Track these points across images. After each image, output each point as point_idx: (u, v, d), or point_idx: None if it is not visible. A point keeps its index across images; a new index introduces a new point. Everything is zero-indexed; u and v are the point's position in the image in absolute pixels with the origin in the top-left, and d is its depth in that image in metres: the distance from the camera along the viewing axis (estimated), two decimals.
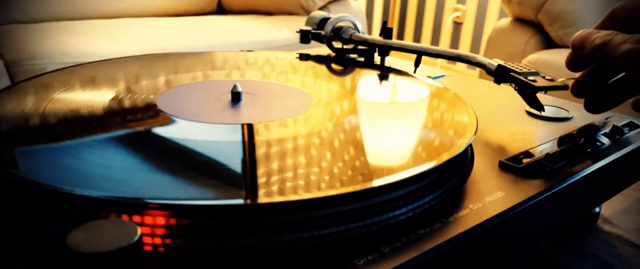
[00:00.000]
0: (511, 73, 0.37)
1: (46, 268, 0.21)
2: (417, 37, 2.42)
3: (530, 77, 0.36)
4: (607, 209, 0.43)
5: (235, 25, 1.50)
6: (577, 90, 0.38)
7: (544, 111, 0.38)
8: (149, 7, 1.64)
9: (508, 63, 0.39)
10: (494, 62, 0.39)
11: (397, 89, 0.42)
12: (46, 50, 1.16)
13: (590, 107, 0.37)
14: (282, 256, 0.22)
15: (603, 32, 0.34)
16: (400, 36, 2.49)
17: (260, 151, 0.28)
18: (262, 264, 0.21)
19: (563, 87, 0.36)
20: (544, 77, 0.37)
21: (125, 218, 0.22)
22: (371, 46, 0.50)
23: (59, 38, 1.23)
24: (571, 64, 0.37)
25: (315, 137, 0.30)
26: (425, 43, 2.34)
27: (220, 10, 1.82)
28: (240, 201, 0.23)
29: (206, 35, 1.40)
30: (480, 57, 0.41)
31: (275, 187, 0.24)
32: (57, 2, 1.49)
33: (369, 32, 2.43)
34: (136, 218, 0.22)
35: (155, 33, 1.38)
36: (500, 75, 0.38)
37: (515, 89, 0.38)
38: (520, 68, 0.38)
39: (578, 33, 0.36)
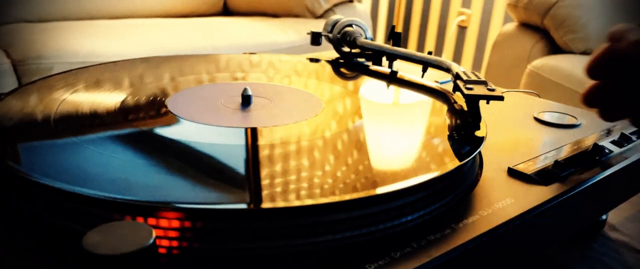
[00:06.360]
0: (457, 81, 0.36)
1: (60, 267, 0.21)
2: (421, 40, 2.42)
3: (469, 86, 0.34)
4: (614, 216, 0.43)
5: (240, 27, 1.50)
6: (591, 99, 0.34)
7: (480, 121, 0.35)
8: (156, 7, 1.65)
9: (466, 72, 0.37)
10: (455, 69, 0.38)
11: (406, 94, 0.43)
12: (53, 49, 1.17)
13: (606, 115, 0.34)
14: (294, 260, 0.22)
15: None
16: (405, 39, 2.49)
17: (273, 155, 0.28)
18: (275, 268, 0.21)
19: (499, 98, 0.33)
20: (487, 88, 0.34)
21: (140, 220, 0.22)
22: (377, 52, 0.50)
23: (66, 38, 1.23)
24: (593, 70, 0.33)
25: (327, 141, 0.30)
26: (429, 47, 2.34)
27: (226, 11, 1.83)
28: (255, 206, 0.23)
29: (211, 36, 1.41)
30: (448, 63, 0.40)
31: (287, 192, 0.24)
32: (64, 2, 1.49)
33: (374, 34, 2.43)
34: (151, 221, 0.22)
35: (162, 34, 1.38)
36: (455, 84, 0.37)
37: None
38: (469, 77, 0.36)
39: (618, 25, 0.32)
